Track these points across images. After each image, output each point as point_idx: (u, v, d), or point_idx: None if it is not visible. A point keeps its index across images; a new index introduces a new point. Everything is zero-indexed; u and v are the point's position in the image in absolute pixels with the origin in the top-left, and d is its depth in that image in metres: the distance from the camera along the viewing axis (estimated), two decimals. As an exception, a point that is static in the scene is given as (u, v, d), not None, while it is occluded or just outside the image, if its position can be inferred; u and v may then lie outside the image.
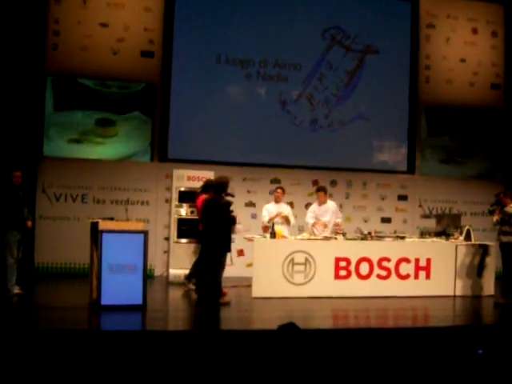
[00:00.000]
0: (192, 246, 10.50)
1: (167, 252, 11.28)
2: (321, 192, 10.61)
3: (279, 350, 3.94)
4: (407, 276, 9.76)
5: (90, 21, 11.58)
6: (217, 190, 8.62)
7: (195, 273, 9.68)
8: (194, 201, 10.26)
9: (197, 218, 9.81)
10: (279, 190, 10.62)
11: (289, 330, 4.05)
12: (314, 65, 12.57)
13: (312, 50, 12.56)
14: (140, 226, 8.30)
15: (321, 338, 6.41)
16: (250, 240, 9.75)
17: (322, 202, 10.59)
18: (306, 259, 9.38)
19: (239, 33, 12.19)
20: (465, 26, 13.48)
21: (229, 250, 8.65)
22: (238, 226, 9.24)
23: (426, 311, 9.05)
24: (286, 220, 10.32)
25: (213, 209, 8.51)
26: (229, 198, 8.67)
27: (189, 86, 11.97)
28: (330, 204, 10.66)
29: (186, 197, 10.83)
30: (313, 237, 9.97)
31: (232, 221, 8.66)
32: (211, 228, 8.49)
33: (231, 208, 8.70)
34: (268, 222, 10.19)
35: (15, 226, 8.79)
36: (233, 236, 9.28)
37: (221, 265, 8.55)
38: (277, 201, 10.55)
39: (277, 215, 10.22)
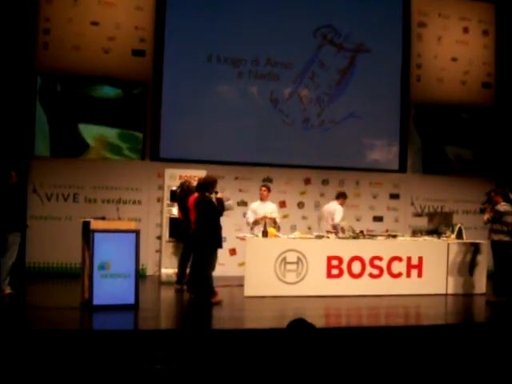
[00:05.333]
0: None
1: (159, 251, 11.25)
2: (344, 197, 11.01)
3: (288, 347, 3.93)
4: (399, 274, 9.77)
5: (80, 19, 11.52)
6: (202, 189, 8.67)
7: (182, 272, 9.75)
8: (174, 199, 10.30)
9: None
10: (264, 188, 10.58)
11: (300, 326, 4.04)
12: (305, 63, 12.56)
13: (303, 48, 12.53)
14: (132, 226, 8.27)
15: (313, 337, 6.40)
16: (243, 239, 9.74)
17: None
18: (298, 258, 9.38)
19: (231, 31, 12.15)
20: (456, 24, 13.49)
21: (219, 246, 8.68)
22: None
23: (418, 309, 9.08)
24: (273, 221, 10.27)
25: (199, 208, 8.57)
26: (213, 195, 8.67)
27: (180, 84, 11.94)
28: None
29: (178, 196, 10.79)
30: (303, 235, 9.97)
31: (220, 212, 8.64)
32: (199, 227, 8.54)
33: (217, 190, 8.75)
34: (253, 224, 10.23)
35: (19, 228, 8.73)
36: (225, 235, 9.26)
37: (210, 262, 8.58)
38: (262, 199, 10.53)
39: (262, 218, 10.14)
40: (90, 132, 11.57)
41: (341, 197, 11.02)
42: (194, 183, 9.93)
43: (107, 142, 11.64)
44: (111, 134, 11.66)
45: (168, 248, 10.73)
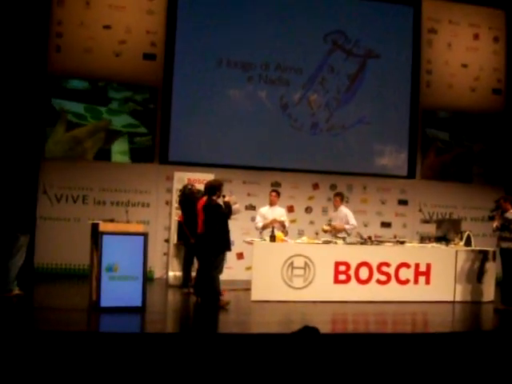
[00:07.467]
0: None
1: (167, 254, 11.28)
2: (337, 197, 10.86)
3: (295, 353, 3.94)
4: (407, 281, 9.75)
5: (92, 23, 11.61)
6: (208, 192, 8.70)
7: (187, 276, 9.88)
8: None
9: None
10: (274, 194, 10.64)
11: (308, 333, 4.05)
12: (315, 69, 12.58)
13: (313, 53, 12.56)
14: (140, 228, 8.29)
15: (320, 343, 6.40)
16: (250, 243, 9.75)
17: (336, 207, 10.80)
18: (306, 263, 9.37)
19: (241, 36, 12.19)
20: (466, 31, 13.49)
21: (227, 248, 8.71)
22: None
23: (426, 316, 9.05)
24: (282, 225, 10.30)
25: (206, 211, 8.61)
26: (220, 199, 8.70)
27: (190, 88, 11.99)
28: (344, 210, 10.81)
29: (187, 199, 10.81)
30: (311, 240, 9.96)
31: (227, 215, 8.65)
32: (207, 230, 8.57)
33: (225, 194, 8.78)
34: (262, 229, 10.24)
35: (28, 229, 8.78)
36: (232, 238, 9.26)
37: (216, 265, 8.61)
38: (271, 204, 10.55)
39: (271, 223, 10.15)
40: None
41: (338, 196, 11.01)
42: (198, 186, 9.98)
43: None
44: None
45: (176, 251, 10.77)
